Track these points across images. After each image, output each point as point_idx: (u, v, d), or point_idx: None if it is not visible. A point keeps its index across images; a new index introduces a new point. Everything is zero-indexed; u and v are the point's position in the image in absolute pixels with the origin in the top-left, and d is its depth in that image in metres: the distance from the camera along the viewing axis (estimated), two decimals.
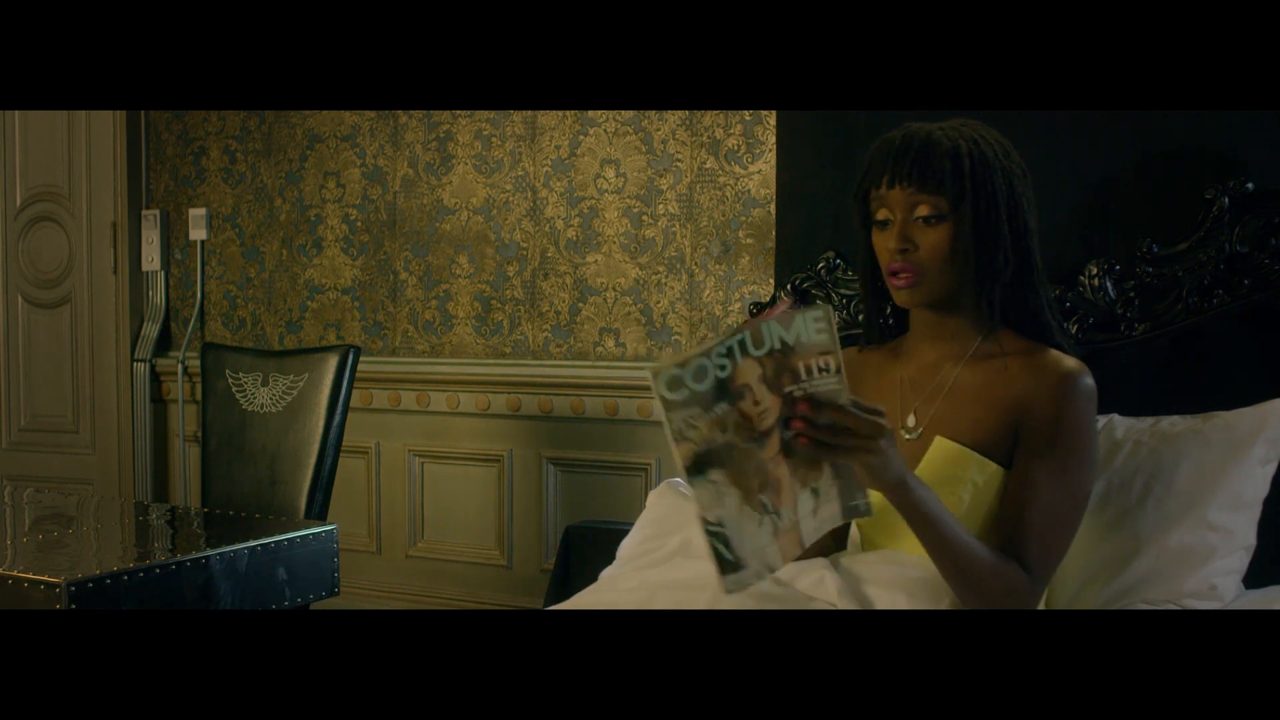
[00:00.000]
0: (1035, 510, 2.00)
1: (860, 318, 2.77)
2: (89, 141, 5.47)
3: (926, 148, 2.01)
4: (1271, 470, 2.29)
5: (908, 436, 2.15)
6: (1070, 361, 2.08)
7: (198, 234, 5.32)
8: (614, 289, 4.41)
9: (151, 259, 5.43)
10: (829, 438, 1.69)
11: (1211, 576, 2.22)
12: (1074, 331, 2.63)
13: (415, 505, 4.87)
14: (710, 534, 1.68)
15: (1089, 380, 2.06)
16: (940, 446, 2.09)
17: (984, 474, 2.05)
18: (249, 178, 5.21)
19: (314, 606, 3.41)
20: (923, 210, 2.03)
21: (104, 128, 5.41)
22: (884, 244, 2.08)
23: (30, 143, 5.63)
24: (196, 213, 5.32)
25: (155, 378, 5.46)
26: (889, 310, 2.27)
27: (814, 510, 1.73)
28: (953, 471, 2.07)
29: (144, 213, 5.44)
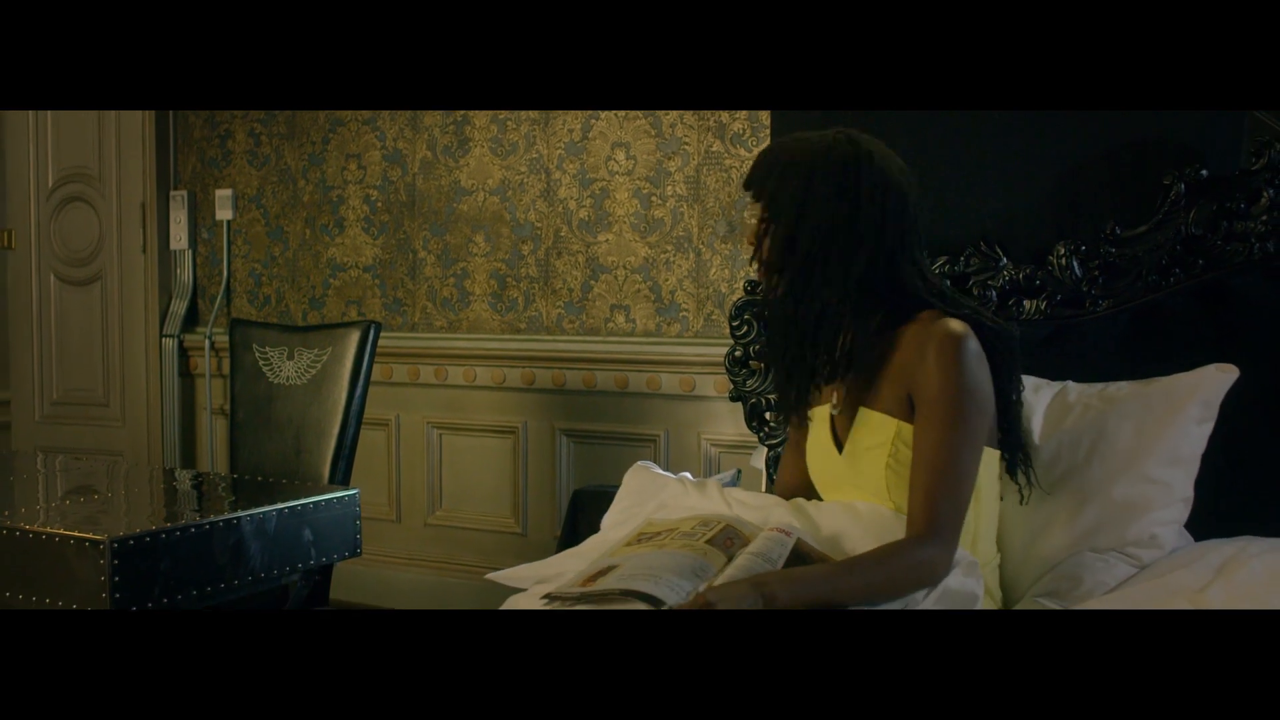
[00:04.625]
0: (930, 473, 2.13)
1: None
2: (118, 125, 5.61)
3: (758, 158, 2.23)
4: (1208, 429, 2.44)
5: (834, 412, 2.33)
6: (954, 324, 2.19)
7: (224, 214, 5.46)
8: (624, 267, 4.55)
9: (179, 238, 5.57)
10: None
11: (1152, 526, 2.37)
12: (1042, 308, 2.78)
13: (434, 475, 5.01)
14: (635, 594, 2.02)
15: (973, 343, 2.18)
16: (863, 416, 2.26)
17: (904, 435, 2.21)
18: (273, 160, 5.35)
19: (337, 566, 3.54)
20: (753, 216, 2.24)
21: (133, 112, 5.53)
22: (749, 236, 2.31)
23: (62, 126, 5.77)
24: (223, 193, 5.46)
25: (183, 353, 5.61)
26: None
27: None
28: (878, 437, 2.24)
29: (172, 193, 5.58)
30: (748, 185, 2.23)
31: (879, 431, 2.22)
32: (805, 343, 2.22)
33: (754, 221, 2.23)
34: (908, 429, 2.20)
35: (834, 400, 2.33)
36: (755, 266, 2.28)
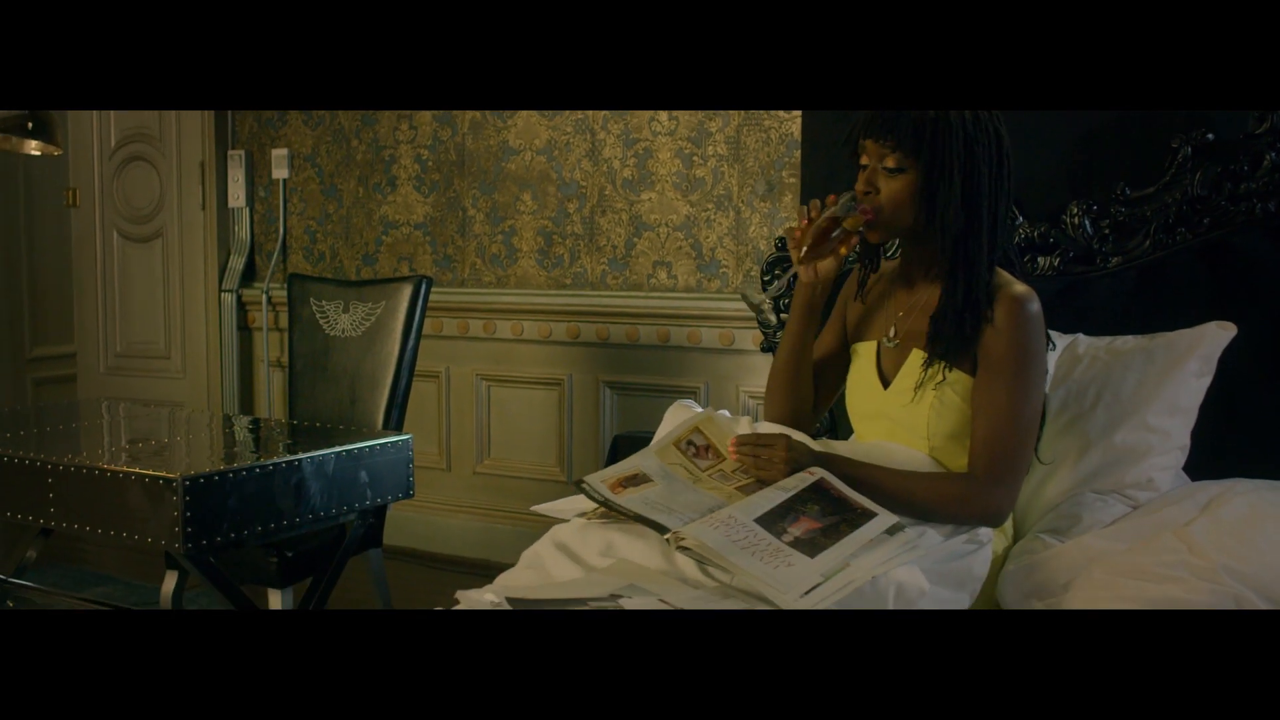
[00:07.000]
0: (993, 425, 2.29)
1: None
2: None
3: (902, 119, 2.31)
4: (1206, 383, 2.57)
5: (889, 344, 2.47)
6: (1020, 287, 2.35)
7: (280, 173, 5.62)
8: (666, 225, 4.67)
9: (237, 196, 5.74)
10: (755, 471, 2.32)
11: (1149, 471, 2.51)
12: (1056, 264, 2.91)
13: (482, 425, 5.17)
14: (641, 519, 2.20)
15: (1036, 305, 2.33)
16: (915, 356, 2.40)
17: (951, 377, 2.34)
18: (328, 120, 5.50)
19: (390, 512, 3.66)
20: (889, 161, 2.33)
21: None
22: (858, 185, 2.40)
23: None
24: (279, 153, 5.62)
25: (241, 307, 5.78)
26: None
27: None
28: (928, 379, 2.36)
29: (230, 153, 5.74)
30: (892, 137, 2.31)
31: (931, 373, 2.36)
32: (965, 293, 2.34)
33: (882, 173, 2.34)
34: (960, 378, 2.34)
35: (890, 334, 2.47)
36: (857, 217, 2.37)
